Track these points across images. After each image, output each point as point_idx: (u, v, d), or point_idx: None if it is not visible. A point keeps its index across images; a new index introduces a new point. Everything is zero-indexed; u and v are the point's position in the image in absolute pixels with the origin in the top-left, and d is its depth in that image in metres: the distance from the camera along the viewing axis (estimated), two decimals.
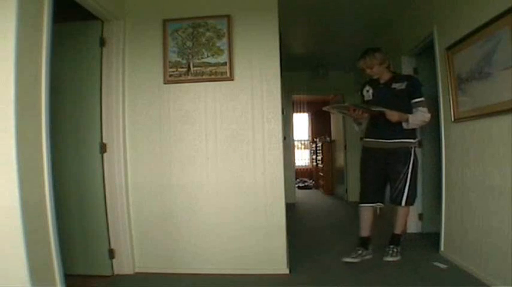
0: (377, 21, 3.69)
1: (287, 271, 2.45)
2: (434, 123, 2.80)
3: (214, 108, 2.51)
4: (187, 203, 2.52)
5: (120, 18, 2.49)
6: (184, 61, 2.49)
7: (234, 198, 2.50)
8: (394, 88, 2.56)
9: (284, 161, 2.52)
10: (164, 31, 2.50)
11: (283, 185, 2.49)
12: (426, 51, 3.09)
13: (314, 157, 8.35)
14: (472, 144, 2.31)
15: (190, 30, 2.49)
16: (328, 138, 7.35)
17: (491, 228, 2.10)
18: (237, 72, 2.49)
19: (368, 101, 2.66)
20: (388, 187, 2.70)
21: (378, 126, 2.59)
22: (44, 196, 1.70)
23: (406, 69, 3.40)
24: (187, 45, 2.49)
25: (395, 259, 2.61)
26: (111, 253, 2.46)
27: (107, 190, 2.45)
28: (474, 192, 2.30)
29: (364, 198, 2.71)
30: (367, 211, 2.69)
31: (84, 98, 2.46)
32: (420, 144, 3.35)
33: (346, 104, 2.64)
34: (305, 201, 6.21)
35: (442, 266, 2.47)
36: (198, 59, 2.49)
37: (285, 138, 2.94)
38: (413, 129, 2.61)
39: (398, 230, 2.72)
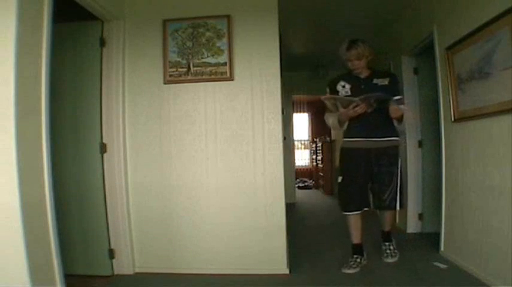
0: (377, 21, 3.69)
1: (287, 271, 2.45)
2: (434, 123, 2.80)
3: (214, 108, 2.51)
4: (187, 203, 2.52)
5: (120, 18, 2.49)
6: (184, 61, 2.50)
7: (234, 198, 2.50)
8: (376, 84, 2.38)
9: (284, 161, 2.52)
10: (164, 31, 2.50)
11: (283, 185, 2.49)
12: (426, 51, 3.09)
13: (314, 157, 8.35)
14: (472, 144, 2.31)
15: (190, 30, 2.49)
16: (328, 138, 7.35)
17: (491, 228, 2.10)
18: (237, 72, 2.49)
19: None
20: (372, 190, 2.48)
21: (367, 123, 2.35)
22: (44, 196, 1.70)
23: (406, 69, 3.41)
24: (187, 45, 2.49)
25: (395, 259, 2.57)
26: (111, 253, 2.46)
27: (107, 190, 2.45)
28: (474, 192, 2.30)
29: (351, 205, 2.45)
30: (356, 218, 2.48)
31: (84, 98, 2.46)
32: (420, 144, 3.36)
33: (356, 99, 2.24)
34: (305, 201, 6.21)
35: (442, 266, 2.47)
36: (198, 59, 2.49)
37: (285, 138, 2.94)
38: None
39: (388, 228, 2.63)
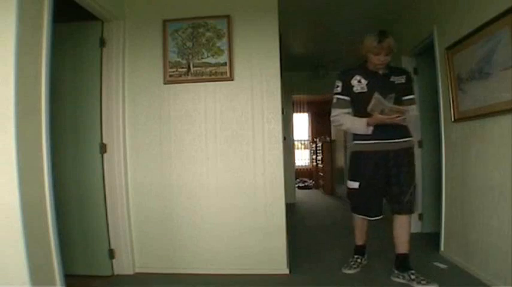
0: (377, 21, 3.69)
1: (287, 271, 2.45)
2: (434, 124, 2.80)
3: (214, 108, 2.51)
4: (187, 203, 2.52)
5: (120, 18, 2.49)
6: (184, 61, 2.50)
7: (234, 198, 2.50)
8: (393, 82, 2.23)
9: (284, 161, 2.52)
10: (164, 31, 2.50)
11: (283, 185, 2.49)
12: (426, 51, 3.09)
13: (314, 157, 8.35)
14: (472, 144, 2.31)
15: (190, 30, 2.49)
16: (328, 138, 7.35)
17: (491, 228, 2.10)
18: (237, 72, 2.49)
19: (361, 94, 2.24)
20: (390, 193, 2.27)
21: (383, 124, 2.17)
22: (44, 196, 1.70)
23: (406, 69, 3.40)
24: (187, 45, 2.49)
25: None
26: (111, 253, 2.46)
27: (107, 190, 2.45)
28: (474, 192, 2.30)
29: (372, 211, 2.28)
30: (366, 222, 2.43)
31: (84, 98, 2.46)
32: (420, 144, 3.36)
33: (406, 108, 2.12)
34: (305, 201, 6.21)
35: (442, 266, 2.47)
36: (198, 59, 2.49)
37: (285, 138, 2.93)
38: None
39: (407, 246, 2.22)
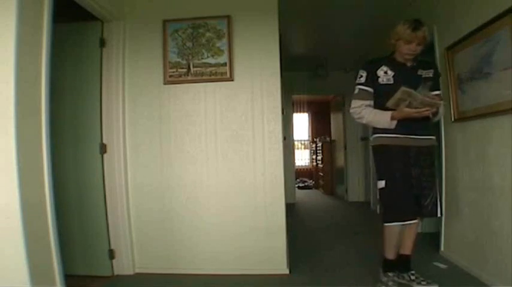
0: (377, 21, 3.69)
1: (287, 271, 2.45)
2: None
3: (214, 108, 2.51)
4: (187, 203, 2.52)
5: (120, 18, 2.49)
6: (184, 61, 2.50)
7: (234, 198, 2.50)
8: (421, 75, 2.07)
9: (284, 161, 2.52)
10: (164, 32, 2.50)
11: (283, 185, 2.49)
12: (426, 51, 3.08)
13: (314, 157, 8.35)
14: (472, 144, 2.31)
15: (190, 30, 2.49)
16: (328, 138, 7.35)
17: (491, 228, 2.10)
18: (237, 72, 2.49)
19: (386, 85, 2.07)
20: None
21: (407, 120, 2.00)
22: (44, 196, 1.70)
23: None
24: (187, 45, 2.49)
25: None
26: (111, 254, 2.46)
27: (107, 191, 2.45)
28: (474, 192, 2.30)
29: (407, 213, 2.02)
30: (403, 229, 2.09)
31: (84, 98, 2.47)
32: None
33: (441, 102, 1.96)
34: (305, 201, 6.21)
35: (442, 266, 2.47)
36: (198, 59, 2.49)
37: (285, 138, 2.93)
38: None
39: (411, 250, 2.15)
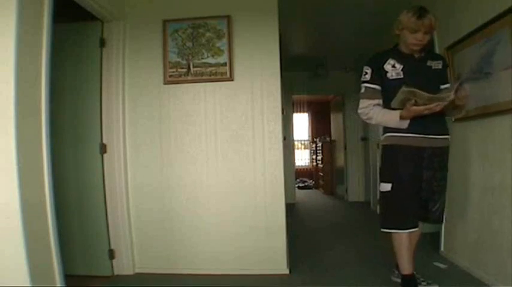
0: (377, 21, 3.69)
1: (287, 271, 2.45)
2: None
3: (214, 108, 2.51)
4: (187, 203, 2.52)
5: (120, 18, 2.49)
6: (184, 61, 2.50)
7: (234, 198, 2.50)
8: (430, 67, 1.92)
9: (284, 161, 2.52)
10: (164, 32, 2.50)
11: (283, 185, 2.49)
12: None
13: (314, 157, 8.35)
14: (473, 144, 2.31)
15: (190, 30, 2.49)
16: (328, 139, 7.36)
17: (491, 228, 2.10)
18: (237, 72, 2.49)
19: (396, 80, 1.90)
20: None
21: (421, 118, 1.84)
22: (44, 196, 1.70)
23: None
24: (187, 45, 2.49)
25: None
26: (111, 254, 2.46)
27: (107, 191, 2.45)
28: (475, 192, 2.30)
29: (409, 220, 1.90)
30: (408, 237, 1.93)
31: (84, 98, 2.47)
32: None
33: (451, 95, 1.73)
34: (305, 201, 6.21)
35: (442, 266, 2.47)
36: (198, 59, 2.49)
37: (285, 138, 2.94)
38: None
39: (413, 250, 2.05)
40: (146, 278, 2.43)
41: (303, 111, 9.08)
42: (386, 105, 1.94)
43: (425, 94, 1.73)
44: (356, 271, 2.46)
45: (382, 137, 2.03)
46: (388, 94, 1.92)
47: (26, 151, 1.58)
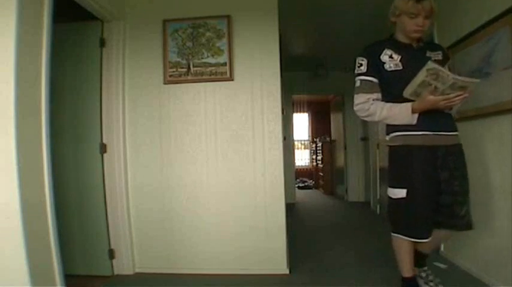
0: (377, 21, 3.69)
1: (287, 271, 2.45)
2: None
3: (214, 108, 2.51)
4: (187, 203, 2.52)
5: (120, 18, 2.49)
6: (184, 61, 2.50)
7: (234, 198, 2.50)
8: (429, 58, 1.72)
9: (284, 161, 2.52)
10: (164, 31, 2.50)
11: (283, 185, 2.49)
12: None
13: (314, 157, 8.35)
14: (473, 144, 2.31)
15: (190, 30, 2.49)
16: (328, 139, 7.36)
17: (491, 228, 2.10)
18: (237, 72, 2.49)
19: (395, 72, 1.72)
20: (441, 204, 1.73)
21: (432, 111, 1.64)
22: (44, 196, 1.70)
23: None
24: (187, 45, 2.49)
25: None
26: (111, 253, 2.46)
27: (107, 190, 2.45)
28: (475, 192, 2.29)
29: (424, 230, 1.71)
30: (411, 242, 1.79)
31: (84, 98, 2.47)
32: None
33: (477, 80, 1.57)
34: (305, 201, 6.21)
35: (442, 266, 2.47)
36: (198, 59, 2.49)
37: (285, 138, 2.93)
38: None
39: (430, 249, 1.91)
40: (146, 278, 2.43)
41: (303, 111, 9.08)
42: (387, 100, 1.75)
43: (451, 76, 1.47)
44: (356, 271, 2.46)
45: (387, 137, 1.81)
46: (387, 88, 1.75)
47: (26, 151, 1.58)
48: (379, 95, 1.78)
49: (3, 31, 1.53)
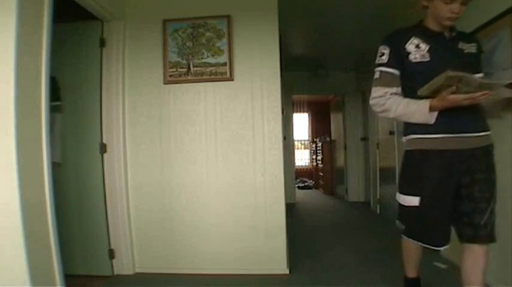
0: (377, 21, 3.69)
1: (287, 271, 2.45)
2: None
3: (214, 108, 2.51)
4: (187, 203, 2.52)
5: (120, 18, 2.49)
6: (184, 61, 2.50)
7: (234, 198, 2.50)
8: (462, 50, 1.55)
9: (284, 161, 2.52)
10: (164, 31, 2.50)
11: (283, 185, 2.49)
12: None
13: (314, 157, 8.35)
14: None
15: (190, 30, 2.49)
16: (328, 139, 7.36)
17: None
18: (237, 72, 2.49)
19: (421, 64, 1.53)
20: (460, 211, 1.57)
21: (455, 109, 1.45)
22: (44, 196, 1.70)
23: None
24: (187, 45, 2.49)
25: None
26: (111, 253, 2.46)
27: (107, 190, 2.45)
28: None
29: (440, 238, 1.61)
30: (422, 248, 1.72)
31: (84, 98, 2.46)
32: None
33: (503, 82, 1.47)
34: (305, 201, 6.21)
35: (442, 266, 2.47)
36: (198, 59, 2.49)
37: (285, 138, 2.93)
38: None
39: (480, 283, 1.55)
40: (146, 278, 2.43)
41: (303, 111, 9.08)
42: (407, 94, 1.57)
43: (478, 80, 1.35)
44: (356, 271, 2.47)
45: (403, 139, 1.67)
46: (408, 82, 1.56)
47: (26, 151, 1.58)
48: (398, 90, 1.60)
49: (3, 31, 1.53)
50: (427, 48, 1.54)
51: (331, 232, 3.72)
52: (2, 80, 1.52)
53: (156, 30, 2.52)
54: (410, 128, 1.60)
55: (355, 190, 5.86)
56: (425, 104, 1.49)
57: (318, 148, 7.73)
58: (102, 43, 2.47)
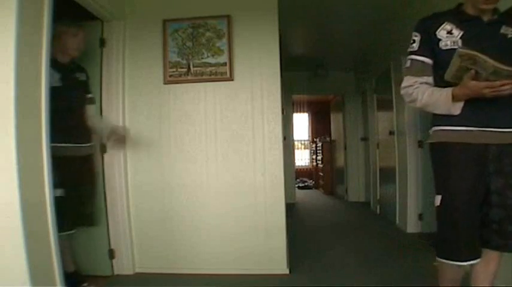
0: (377, 21, 3.70)
1: (287, 271, 2.45)
2: None
3: (214, 108, 2.51)
4: (187, 203, 2.52)
5: (120, 18, 2.49)
6: (184, 61, 2.50)
7: (234, 198, 2.50)
8: (505, 35, 1.38)
9: (284, 161, 2.52)
10: (164, 31, 2.50)
11: (283, 185, 2.49)
12: None
13: (314, 157, 8.36)
14: None
15: (190, 30, 2.49)
16: (328, 139, 7.36)
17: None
18: (237, 72, 2.49)
19: (451, 51, 1.33)
20: (487, 217, 1.41)
21: (483, 101, 1.31)
22: (44, 196, 1.70)
23: None
24: (187, 45, 2.49)
25: None
26: (111, 253, 2.46)
27: (107, 190, 2.45)
28: None
29: (465, 248, 1.38)
30: (461, 270, 1.46)
31: None
32: (420, 144, 3.35)
33: None
34: (305, 201, 6.21)
35: None
36: (198, 59, 2.49)
37: (285, 138, 2.93)
38: None
39: None
40: (146, 278, 2.43)
41: (303, 111, 9.09)
42: (438, 85, 1.44)
43: (491, 62, 1.19)
44: (356, 271, 2.47)
45: (430, 132, 1.54)
46: (440, 71, 1.41)
47: (26, 151, 1.58)
48: (429, 79, 1.46)
49: (3, 31, 1.53)
50: (460, 34, 1.39)
51: (331, 232, 3.72)
52: (2, 80, 1.52)
53: (156, 30, 2.52)
54: (435, 119, 1.49)
55: (355, 190, 5.86)
56: (448, 92, 1.36)
57: (318, 148, 7.73)
58: (102, 43, 2.47)
